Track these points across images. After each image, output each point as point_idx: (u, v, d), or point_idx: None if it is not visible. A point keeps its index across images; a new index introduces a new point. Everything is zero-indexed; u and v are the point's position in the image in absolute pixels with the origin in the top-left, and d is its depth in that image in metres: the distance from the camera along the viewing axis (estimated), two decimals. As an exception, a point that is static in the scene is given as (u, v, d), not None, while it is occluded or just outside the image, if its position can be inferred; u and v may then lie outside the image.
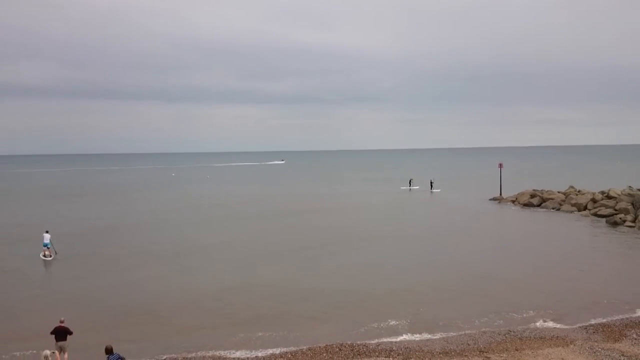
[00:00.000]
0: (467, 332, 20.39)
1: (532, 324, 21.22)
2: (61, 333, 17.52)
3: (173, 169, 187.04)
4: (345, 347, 18.92)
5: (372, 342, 19.44)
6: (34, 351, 18.17)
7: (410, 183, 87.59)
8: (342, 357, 18.09)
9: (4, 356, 18.47)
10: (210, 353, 18.65)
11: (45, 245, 35.15)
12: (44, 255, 34.95)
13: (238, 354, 18.62)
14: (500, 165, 72.76)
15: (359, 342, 19.31)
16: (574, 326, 20.86)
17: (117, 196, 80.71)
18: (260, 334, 20.44)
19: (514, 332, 20.34)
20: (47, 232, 35.95)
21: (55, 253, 35.29)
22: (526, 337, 19.72)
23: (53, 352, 16.30)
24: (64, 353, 17.43)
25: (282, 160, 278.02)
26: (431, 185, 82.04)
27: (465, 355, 17.95)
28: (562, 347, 18.47)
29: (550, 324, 21.13)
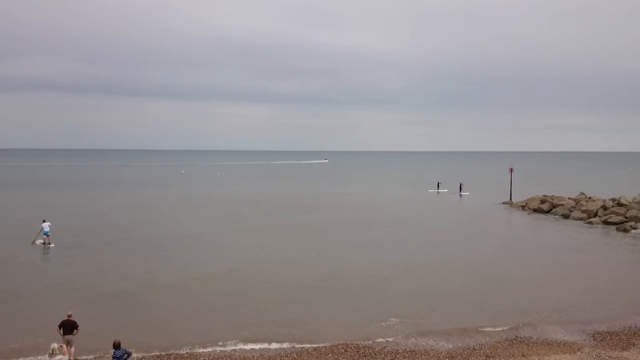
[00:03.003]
0: (473, 335, 20.31)
1: (539, 329, 21.10)
2: (68, 327, 17.64)
3: (183, 166, 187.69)
4: (350, 348, 18.90)
5: (378, 343, 19.42)
6: (42, 339, 18.27)
7: (438, 186, 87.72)
8: (347, 358, 18.07)
9: (12, 348, 18.61)
10: (217, 349, 18.70)
11: (46, 233, 36.64)
12: (43, 243, 36.47)
13: (244, 350, 18.64)
14: (511, 170, 72.59)
15: (364, 344, 19.30)
16: (582, 333, 20.71)
17: (128, 191, 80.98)
18: (266, 331, 20.45)
19: (520, 337, 20.24)
20: (44, 221, 37.46)
21: (49, 243, 36.56)
22: (533, 343, 19.62)
23: (61, 346, 16.39)
24: (71, 346, 17.53)
25: (326, 160, 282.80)
26: (460, 189, 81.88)
27: (471, 360, 17.91)
28: (569, 354, 18.36)
29: (558, 330, 21.00)
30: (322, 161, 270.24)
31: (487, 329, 21.08)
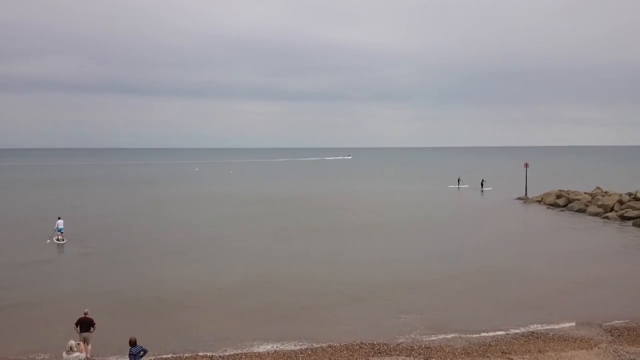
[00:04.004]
0: (489, 332, 20.21)
1: (556, 325, 20.96)
2: (85, 324, 17.79)
3: (196, 164, 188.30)
4: (365, 345, 18.89)
5: (393, 340, 19.39)
6: (59, 337, 18.43)
7: (458, 182, 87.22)
8: (362, 355, 18.07)
9: (29, 346, 18.81)
10: (231, 348, 18.77)
11: (60, 230, 37.67)
12: (57, 240, 37.38)
13: (259, 349, 18.70)
14: (526, 165, 72.00)
15: (379, 341, 19.27)
16: (598, 329, 20.54)
17: (142, 189, 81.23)
18: (280, 329, 20.51)
19: (536, 333, 20.12)
20: (59, 218, 38.63)
21: (62, 240, 37.61)
22: (549, 339, 19.49)
23: (78, 343, 16.54)
24: (88, 344, 17.69)
25: (349, 156, 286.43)
26: (482, 184, 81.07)
27: (487, 356, 17.80)
28: (586, 349, 18.22)
29: (574, 326, 20.85)
30: (345, 157, 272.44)
31: (503, 325, 20.95)
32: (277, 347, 18.88)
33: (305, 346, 18.87)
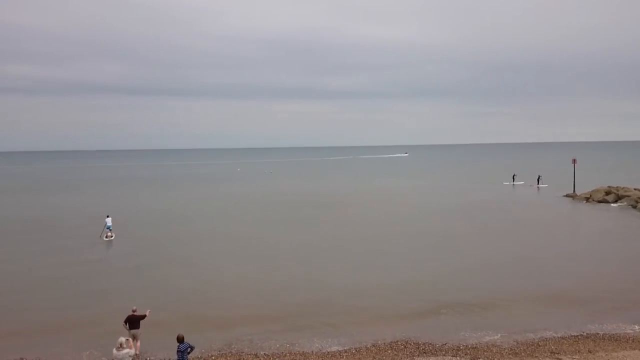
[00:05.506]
0: (537, 332, 19.81)
1: (606, 325, 20.41)
2: (134, 321, 18.22)
3: (239, 164, 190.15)
4: (410, 344, 18.76)
5: (438, 340, 19.20)
6: (109, 335, 18.89)
7: (513, 178, 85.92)
8: (407, 354, 17.94)
9: (80, 343, 19.33)
10: (275, 347, 18.91)
11: (109, 227, 39.75)
12: (107, 237, 39.32)
13: (303, 348, 18.77)
14: (574, 161, 70.27)
15: (424, 340, 19.12)
16: (652, 329, 19.93)
17: (186, 188, 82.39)
18: (324, 329, 20.56)
19: (586, 332, 19.64)
20: (108, 216, 40.77)
21: (111, 236, 39.49)
22: (600, 339, 19.00)
23: (127, 339, 16.92)
24: (137, 340, 18.11)
25: (406, 153, 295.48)
26: (538, 181, 79.63)
27: (536, 357, 17.45)
28: (639, 350, 17.69)
29: (626, 326, 20.25)
30: (402, 155, 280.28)
31: (552, 324, 20.51)
32: (321, 346, 18.92)
33: (349, 346, 18.86)
